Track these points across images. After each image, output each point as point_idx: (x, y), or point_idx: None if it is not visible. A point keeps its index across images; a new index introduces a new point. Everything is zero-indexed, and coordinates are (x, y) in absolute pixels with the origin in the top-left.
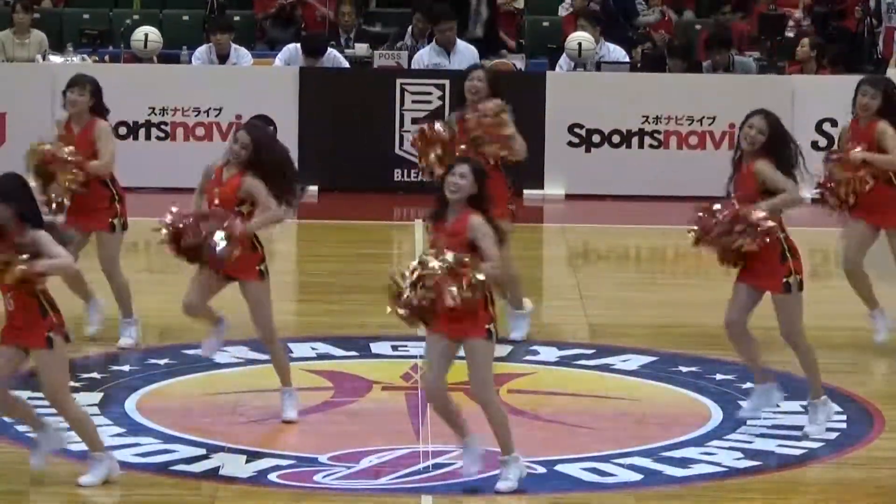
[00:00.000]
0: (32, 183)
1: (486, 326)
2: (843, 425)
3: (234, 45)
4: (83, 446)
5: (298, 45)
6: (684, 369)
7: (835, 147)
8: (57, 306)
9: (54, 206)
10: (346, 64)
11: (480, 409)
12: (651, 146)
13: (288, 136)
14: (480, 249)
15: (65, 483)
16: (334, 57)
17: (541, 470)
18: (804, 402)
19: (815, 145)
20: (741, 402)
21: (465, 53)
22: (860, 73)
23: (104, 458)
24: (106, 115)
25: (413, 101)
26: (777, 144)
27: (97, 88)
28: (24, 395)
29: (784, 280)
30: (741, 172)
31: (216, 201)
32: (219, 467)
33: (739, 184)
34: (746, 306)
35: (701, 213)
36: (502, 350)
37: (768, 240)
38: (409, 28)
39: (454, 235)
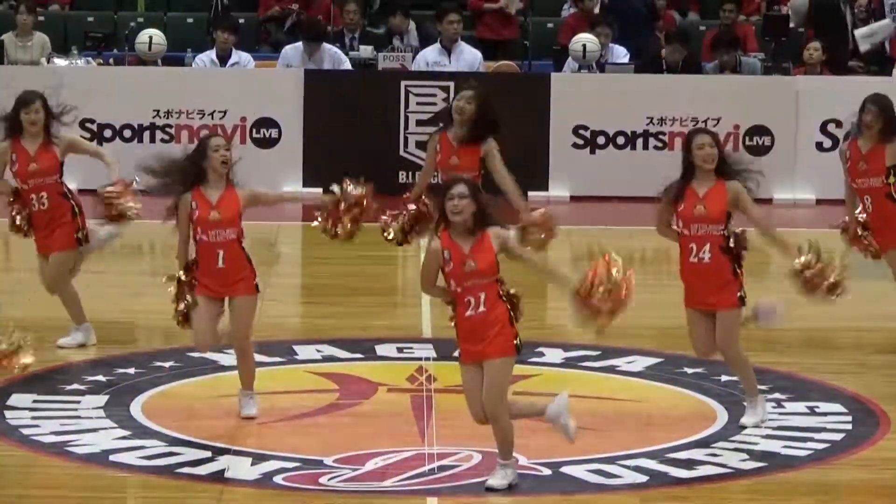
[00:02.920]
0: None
1: (514, 342)
2: (849, 426)
3: (235, 51)
4: (87, 449)
5: (297, 44)
6: (690, 371)
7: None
8: None
9: (16, 228)
10: (347, 62)
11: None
12: (656, 147)
13: (292, 138)
14: (517, 254)
15: (68, 486)
16: (335, 54)
17: (546, 472)
18: (809, 404)
19: (819, 146)
20: (745, 404)
21: (467, 54)
22: (863, 75)
23: None
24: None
25: (417, 103)
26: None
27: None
28: (28, 398)
29: (738, 294)
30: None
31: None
32: (224, 470)
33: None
34: (711, 331)
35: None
36: None
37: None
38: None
39: (481, 253)
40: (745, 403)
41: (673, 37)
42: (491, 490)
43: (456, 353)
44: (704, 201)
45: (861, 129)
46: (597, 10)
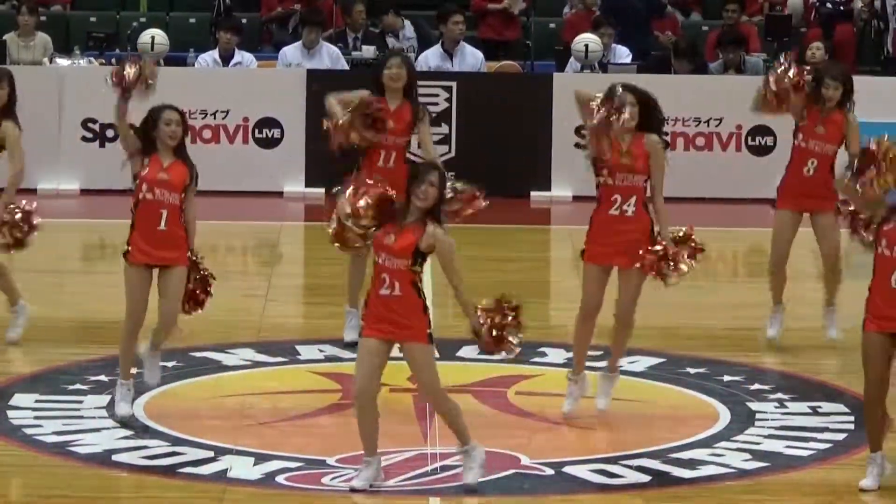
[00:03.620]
0: None
1: (428, 331)
2: (852, 426)
3: (237, 51)
4: (89, 449)
5: (297, 44)
6: (692, 371)
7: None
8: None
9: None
10: (345, 64)
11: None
12: None
13: (295, 137)
14: (447, 268)
15: (71, 486)
16: (333, 53)
17: (549, 472)
18: (812, 404)
19: None
20: (749, 404)
21: (469, 57)
22: (867, 75)
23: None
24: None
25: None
26: None
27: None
28: (30, 397)
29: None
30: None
31: None
32: (227, 469)
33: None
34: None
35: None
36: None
37: None
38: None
39: (407, 235)
40: (569, 377)
41: (681, 52)
42: (470, 488)
43: (459, 353)
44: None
45: (823, 102)
46: (596, 10)
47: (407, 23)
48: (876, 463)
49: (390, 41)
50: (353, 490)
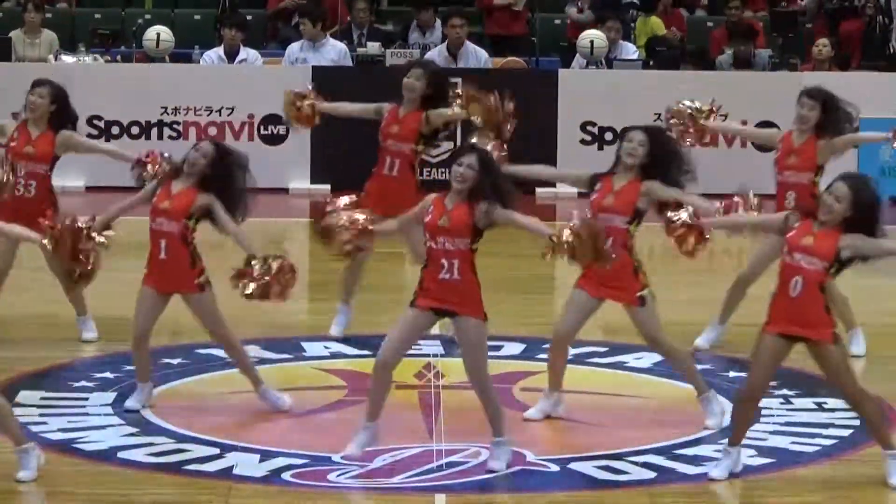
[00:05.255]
0: None
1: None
2: (857, 422)
3: (243, 48)
4: (95, 446)
5: (302, 41)
6: (698, 367)
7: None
8: None
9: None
10: (350, 60)
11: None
12: None
13: (300, 135)
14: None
15: (76, 483)
16: (342, 51)
17: (554, 468)
18: (817, 399)
19: None
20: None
21: (472, 58)
22: (872, 71)
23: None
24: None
25: None
26: None
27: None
28: (35, 394)
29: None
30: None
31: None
32: (232, 466)
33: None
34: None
35: None
36: (515, 348)
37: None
38: (414, 22)
39: (459, 214)
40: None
41: (689, 56)
42: (491, 472)
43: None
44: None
45: (796, 122)
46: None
47: (437, 21)
48: (731, 457)
49: (414, 36)
50: (344, 458)
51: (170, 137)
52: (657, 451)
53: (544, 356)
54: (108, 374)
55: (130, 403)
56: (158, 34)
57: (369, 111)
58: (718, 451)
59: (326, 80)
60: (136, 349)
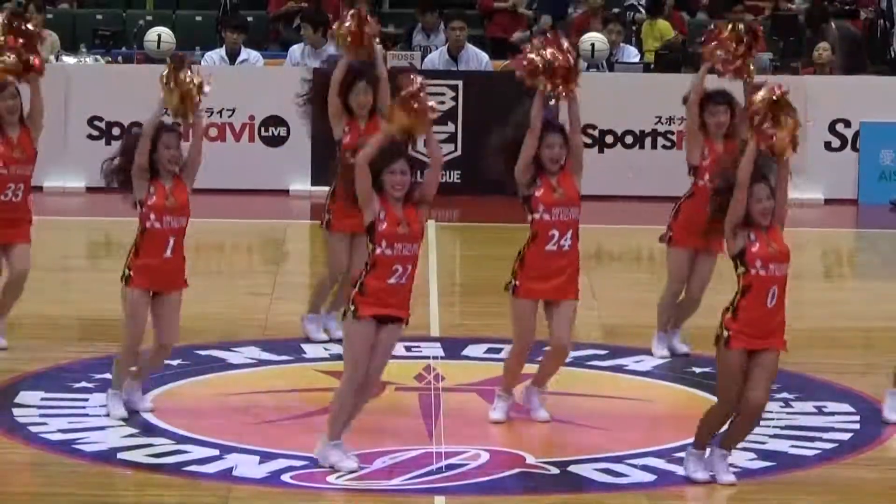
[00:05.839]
0: None
1: None
2: (857, 426)
3: (244, 49)
4: (95, 447)
5: (301, 45)
6: (697, 370)
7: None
8: None
9: None
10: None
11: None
12: (664, 147)
13: (301, 136)
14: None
15: (76, 484)
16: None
17: (554, 470)
18: (817, 403)
19: (828, 146)
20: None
21: (472, 61)
22: (873, 75)
23: None
24: None
25: None
26: None
27: None
28: (35, 395)
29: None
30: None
31: None
32: (232, 468)
33: None
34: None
35: None
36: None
37: None
38: (419, 25)
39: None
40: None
41: (690, 61)
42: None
43: (464, 352)
44: None
45: (712, 131)
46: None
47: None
48: (696, 459)
49: (417, 38)
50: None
51: None
52: (657, 454)
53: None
54: (108, 375)
55: (144, 406)
56: (160, 35)
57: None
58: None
59: (327, 82)
60: (133, 357)
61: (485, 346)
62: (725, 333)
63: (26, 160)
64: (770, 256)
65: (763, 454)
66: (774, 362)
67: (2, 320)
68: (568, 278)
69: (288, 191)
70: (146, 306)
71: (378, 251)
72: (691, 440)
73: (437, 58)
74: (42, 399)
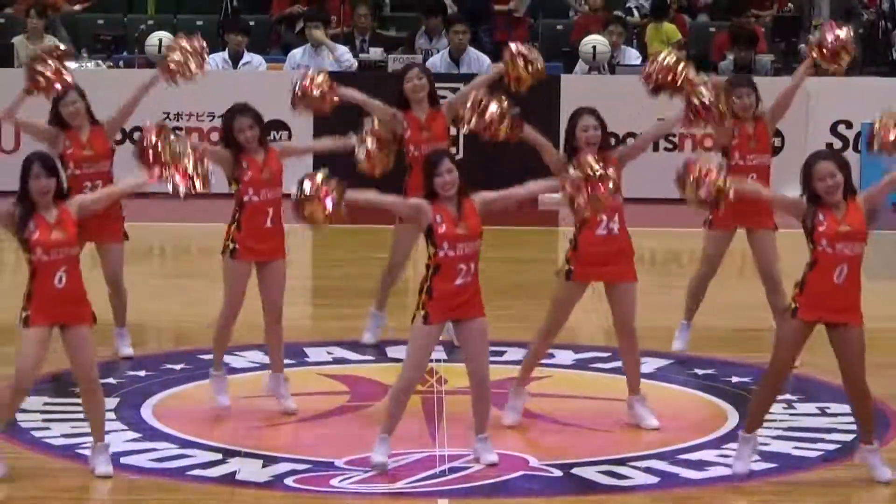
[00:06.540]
0: None
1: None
2: None
3: (247, 52)
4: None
5: (305, 46)
6: (700, 372)
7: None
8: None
9: None
10: (355, 64)
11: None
12: (666, 149)
13: (303, 139)
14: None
15: (79, 489)
16: (342, 54)
17: (557, 473)
18: (820, 404)
19: (829, 147)
20: None
21: (474, 64)
22: (874, 76)
23: None
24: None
25: None
26: None
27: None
28: (38, 400)
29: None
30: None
31: None
32: (235, 472)
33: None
34: None
35: None
36: (519, 354)
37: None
38: (422, 28)
39: (473, 221)
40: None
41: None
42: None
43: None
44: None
45: (740, 114)
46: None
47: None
48: (749, 444)
49: (420, 41)
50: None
51: None
52: (660, 456)
53: (546, 361)
54: (110, 380)
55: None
56: (161, 40)
57: (387, 113)
58: (722, 455)
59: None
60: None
61: None
62: (793, 305)
63: (99, 157)
64: (838, 236)
65: (766, 456)
66: (856, 337)
67: (122, 328)
68: (627, 259)
69: (289, 194)
70: (246, 278)
71: (441, 254)
72: (694, 442)
73: (438, 61)
74: (45, 404)
